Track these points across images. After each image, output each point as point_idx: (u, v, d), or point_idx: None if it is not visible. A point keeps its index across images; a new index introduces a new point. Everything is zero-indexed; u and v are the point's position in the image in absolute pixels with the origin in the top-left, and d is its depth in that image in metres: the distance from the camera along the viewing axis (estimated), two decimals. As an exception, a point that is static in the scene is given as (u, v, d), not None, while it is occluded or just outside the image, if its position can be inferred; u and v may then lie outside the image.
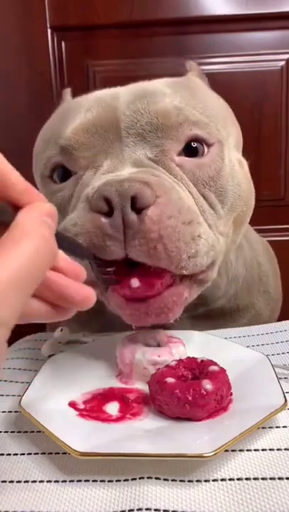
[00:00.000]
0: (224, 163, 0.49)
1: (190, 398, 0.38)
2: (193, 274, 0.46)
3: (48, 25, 1.06)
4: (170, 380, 0.40)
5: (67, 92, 0.62)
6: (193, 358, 0.45)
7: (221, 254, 0.50)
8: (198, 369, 0.43)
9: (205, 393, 0.39)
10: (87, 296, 0.32)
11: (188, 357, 0.45)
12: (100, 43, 1.07)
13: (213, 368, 0.42)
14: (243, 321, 0.67)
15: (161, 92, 0.49)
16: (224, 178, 0.49)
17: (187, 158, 0.47)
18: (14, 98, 1.09)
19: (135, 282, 0.42)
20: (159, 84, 0.51)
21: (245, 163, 0.55)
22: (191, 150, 0.47)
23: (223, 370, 0.42)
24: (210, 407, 0.39)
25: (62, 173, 0.49)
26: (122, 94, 0.50)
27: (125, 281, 0.43)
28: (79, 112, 0.49)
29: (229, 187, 0.49)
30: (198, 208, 0.46)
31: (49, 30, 1.06)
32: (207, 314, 0.63)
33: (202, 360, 0.44)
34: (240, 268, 0.65)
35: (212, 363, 0.43)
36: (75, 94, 1.10)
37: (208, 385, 0.39)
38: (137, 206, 0.40)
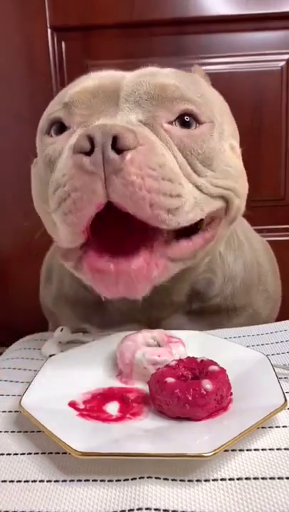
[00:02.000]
0: (213, 140, 0.50)
1: (190, 398, 0.39)
2: (164, 252, 0.46)
3: (48, 25, 1.06)
4: (170, 379, 0.40)
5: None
6: (193, 357, 0.45)
7: (207, 207, 0.50)
8: (198, 369, 0.43)
9: (205, 393, 0.39)
10: None
11: (188, 357, 0.45)
12: (100, 43, 1.07)
13: (213, 367, 0.42)
14: (240, 319, 0.67)
15: (165, 74, 0.52)
16: (212, 152, 0.50)
17: (177, 127, 0.49)
18: (14, 98, 1.09)
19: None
20: (164, 70, 0.54)
21: (238, 149, 0.56)
22: (182, 122, 0.49)
23: (223, 370, 0.42)
24: (210, 407, 0.39)
25: (59, 128, 0.51)
26: (128, 74, 0.53)
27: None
28: (86, 80, 0.53)
29: (217, 161, 0.50)
30: (182, 171, 0.47)
31: (49, 30, 1.06)
32: (202, 311, 0.64)
33: (202, 360, 0.44)
34: (239, 269, 0.65)
35: (212, 362, 0.43)
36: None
37: (208, 384, 0.39)
38: (118, 146, 0.41)
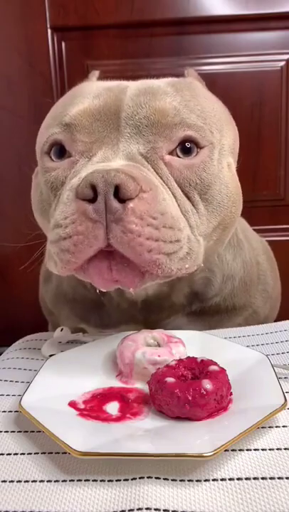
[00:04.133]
0: (213, 164, 0.51)
1: (190, 398, 0.39)
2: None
3: (48, 25, 1.06)
4: (170, 379, 0.40)
5: (95, 74, 0.64)
6: (193, 357, 0.45)
7: (200, 255, 0.50)
8: (198, 369, 0.43)
9: (205, 393, 0.39)
10: None
11: (189, 357, 0.45)
12: (100, 43, 1.07)
13: (213, 367, 0.42)
14: (240, 319, 0.67)
15: (164, 91, 0.51)
16: (211, 178, 0.50)
17: (177, 158, 0.49)
18: (14, 98, 1.09)
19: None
20: (163, 83, 0.53)
21: (234, 166, 0.56)
22: (183, 149, 0.49)
23: (223, 370, 0.42)
24: (210, 407, 0.39)
25: (59, 151, 0.51)
26: (130, 88, 0.53)
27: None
28: (87, 97, 0.52)
29: (215, 187, 0.51)
30: (181, 209, 0.48)
31: (49, 30, 1.06)
32: (202, 311, 0.64)
33: (202, 360, 0.44)
34: (238, 267, 0.65)
35: (212, 362, 0.43)
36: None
37: (208, 384, 0.39)
38: (120, 196, 0.42)
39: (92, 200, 0.42)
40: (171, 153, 0.49)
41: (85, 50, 1.07)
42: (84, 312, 0.67)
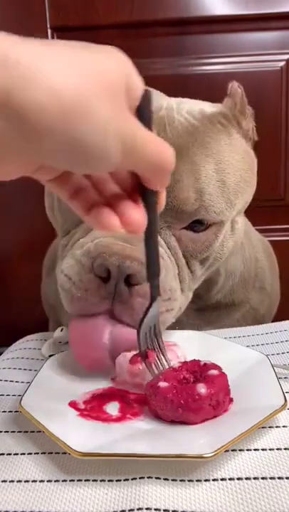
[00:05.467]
0: (217, 240, 0.54)
1: (182, 402, 0.38)
2: None
3: (48, 26, 1.06)
4: (163, 384, 0.40)
5: None
6: (197, 360, 0.45)
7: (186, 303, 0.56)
8: (199, 372, 0.43)
9: (198, 397, 0.38)
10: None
11: (194, 359, 0.45)
12: (99, 43, 1.06)
13: (212, 372, 0.42)
14: (237, 315, 0.67)
15: (190, 160, 0.51)
16: (211, 250, 0.55)
17: (186, 231, 0.53)
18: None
19: None
20: (190, 135, 0.52)
21: (240, 220, 0.59)
22: (194, 225, 0.53)
23: (222, 375, 0.42)
24: (204, 412, 0.38)
25: None
26: (159, 133, 0.52)
27: None
28: None
29: (213, 255, 0.55)
30: (180, 278, 0.53)
31: (49, 31, 1.06)
32: (203, 308, 0.64)
33: (205, 364, 0.43)
34: (238, 264, 0.66)
35: (214, 366, 0.43)
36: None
37: (202, 389, 0.39)
38: (132, 283, 0.47)
39: (105, 279, 0.47)
40: (181, 228, 0.53)
41: (85, 50, 1.07)
42: None
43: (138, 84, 0.31)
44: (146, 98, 0.32)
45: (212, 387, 0.39)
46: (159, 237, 0.51)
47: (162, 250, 0.51)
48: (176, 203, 0.51)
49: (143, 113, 0.31)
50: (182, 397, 0.38)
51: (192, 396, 0.38)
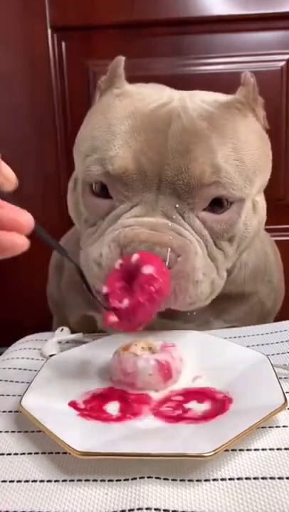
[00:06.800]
0: (240, 218, 0.55)
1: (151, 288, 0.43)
2: None
3: (48, 25, 1.06)
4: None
5: (121, 60, 0.62)
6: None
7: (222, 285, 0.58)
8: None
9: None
10: (20, 217, 0.34)
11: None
12: (100, 43, 1.07)
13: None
14: (245, 308, 0.67)
15: (205, 143, 0.52)
16: (236, 229, 0.56)
17: (209, 213, 0.54)
18: (14, 98, 1.09)
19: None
20: (205, 120, 0.54)
21: (260, 200, 0.60)
22: (215, 205, 0.54)
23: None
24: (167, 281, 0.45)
25: (101, 188, 0.55)
26: (174, 120, 0.53)
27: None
28: (127, 137, 0.53)
29: (239, 234, 0.56)
30: (211, 257, 0.54)
31: (49, 30, 1.06)
32: (214, 298, 0.64)
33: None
34: (252, 255, 0.66)
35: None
36: (75, 94, 1.10)
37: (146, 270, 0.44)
38: None
39: None
40: (204, 209, 0.53)
41: (85, 50, 1.07)
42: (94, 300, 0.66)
43: None
44: None
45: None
46: (184, 221, 0.52)
47: (188, 233, 0.52)
48: (193, 179, 0.51)
49: None
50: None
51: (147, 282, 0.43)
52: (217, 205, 0.54)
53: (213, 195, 0.53)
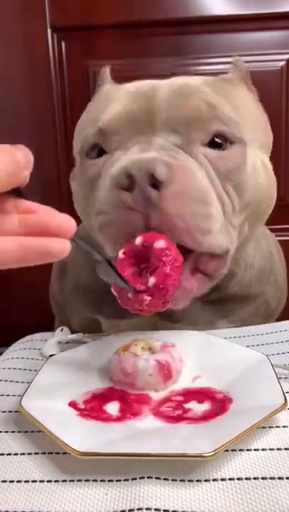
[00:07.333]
0: (245, 161, 0.52)
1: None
2: (204, 271, 0.50)
3: (48, 25, 1.06)
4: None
5: (107, 71, 0.64)
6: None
7: (233, 248, 0.53)
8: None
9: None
10: (64, 222, 0.33)
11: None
12: (100, 43, 1.07)
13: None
14: (251, 309, 0.67)
15: (198, 89, 0.52)
16: (243, 174, 0.51)
17: (210, 149, 0.50)
18: (14, 98, 1.09)
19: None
20: (198, 81, 0.54)
21: (269, 164, 0.58)
22: (214, 144, 0.50)
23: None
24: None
25: (98, 151, 0.53)
26: (161, 88, 0.53)
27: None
28: (118, 100, 0.53)
29: (249, 183, 0.52)
30: (218, 197, 0.49)
31: (49, 30, 1.06)
32: (218, 300, 0.63)
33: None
34: (257, 256, 0.66)
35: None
36: (75, 94, 1.11)
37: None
38: (156, 184, 0.44)
39: (130, 189, 0.45)
40: (204, 146, 0.50)
41: (85, 50, 1.07)
42: (99, 303, 0.66)
43: None
44: None
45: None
46: (184, 153, 0.49)
47: (187, 160, 0.49)
48: (191, 111, 0.50)
49: None
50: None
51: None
52: (216, 145, 0.51)
53: (212, 130, 0.50)
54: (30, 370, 0.54)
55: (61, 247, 0.34)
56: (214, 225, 0.48)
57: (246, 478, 0.34)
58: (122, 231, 0.46)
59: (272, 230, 0.77)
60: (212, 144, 0.50)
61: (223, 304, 0.64)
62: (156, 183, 0.44)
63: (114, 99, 0.54)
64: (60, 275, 0.76)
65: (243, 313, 0.66)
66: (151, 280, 0.44)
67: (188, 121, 0.49)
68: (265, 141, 0.59)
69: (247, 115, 0.54)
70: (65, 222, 0.34)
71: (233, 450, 0.36)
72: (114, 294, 0.47)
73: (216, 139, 0.50)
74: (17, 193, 0.34)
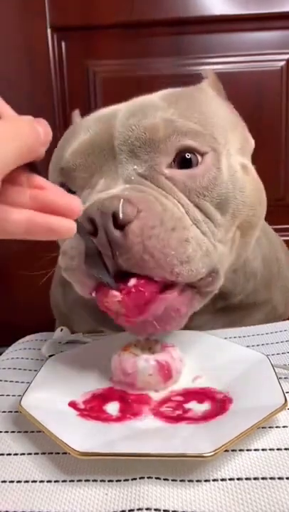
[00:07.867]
0: (221, 171, 0.49)
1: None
2: (196, 285, 0.47)
3: (48, 25, 1.06)
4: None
5: (76, 113, 0.64)
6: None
7: (225, 261, 0.51)
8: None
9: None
10: (72, 203, 0.34)
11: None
12: (100, 43, 1.07)
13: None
14: (260, 315, 0.66)
15: (155, 106, 0.50)
16: (221, 186, 0.49)
17: (178, 170, 0.48)
18: (14, 98, 1.09)
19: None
20: (156, 98, 0.52)
21: (251, 167, 0.55)
22: (183, 161, 0.48)
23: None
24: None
25: (67, 191, 0.51)
26: (120, 111, 0.51)
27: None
28: (78, 134, 0.52)
29: (229, 194, 0.49)
30: (190, 218, 0.47)
31: (49, 30, 1.06)
32: (226, 309, 0.63)
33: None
34: (258, 264, 0.64)
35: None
36: (75, 93, 1.10)
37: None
38: (119, 222, 0.42)
39: (94, 232, 0.43)
40: (170, 166, 0.48)
41: (85, 50, 1.07)
42: (103, 316, 0.66)
43: None
44: None
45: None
46: (145, 181, 0.47)
47: (151, 190, 0.46)
48: (146, 135, 0.47)
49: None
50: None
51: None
52: (185, 162, 0.48)
53: (175, 147, 0.47)
54: (30, 370, 0.54)
55: (67, 226, 0.34)
56: (193, 250, 0.45)
57: (246, 479, 0.34)
58: (89, 274, 0.45)
59: (272, 230, 0.77)
60: (180, 163, 0.48)
61: (232, 312, 0.64)
62: (120, 223, 0.42)
63: (74, 134, 0.53)
64: (62, 283, 0.75)
65: (252, 320, 0.65)
66: (132, 281, 0.43)
67: (146, 143, 0.47)
68: (244, 145, 0.56)
69: (218, 121, 0.52)
70: (73, 202, 0.34)
71: (233, 450, 0.36)
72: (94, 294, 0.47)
73: (185, 154, 0.48)
74: (31, 167, 0.34)
